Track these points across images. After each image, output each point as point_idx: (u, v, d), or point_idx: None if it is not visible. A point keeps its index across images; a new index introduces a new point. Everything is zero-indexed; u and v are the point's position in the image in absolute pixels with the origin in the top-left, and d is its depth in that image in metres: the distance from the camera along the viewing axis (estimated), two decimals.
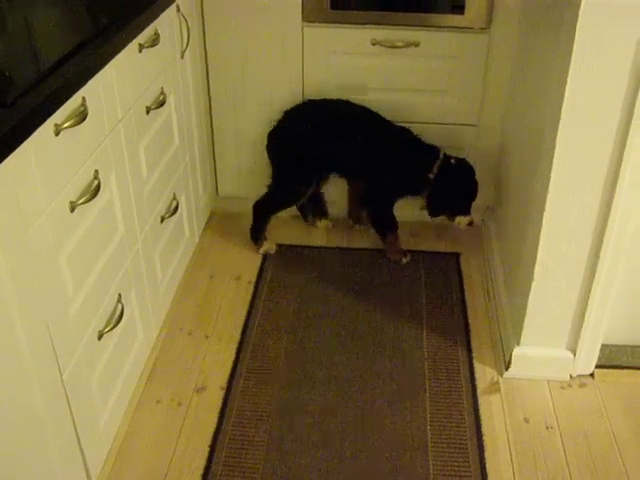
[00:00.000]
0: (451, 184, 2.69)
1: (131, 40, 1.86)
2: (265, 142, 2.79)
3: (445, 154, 2.69)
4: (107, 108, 1.78)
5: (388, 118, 2.74)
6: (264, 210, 2.85)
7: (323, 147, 2.68)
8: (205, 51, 2.70)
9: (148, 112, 2.08)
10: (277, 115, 2.79)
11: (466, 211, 2.76)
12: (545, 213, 2.00)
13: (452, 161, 2.68)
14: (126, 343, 2.03)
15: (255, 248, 2.87)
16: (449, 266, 2.80)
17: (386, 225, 2.85)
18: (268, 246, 2.87)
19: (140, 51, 1.97)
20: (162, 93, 2.18)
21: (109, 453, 1.99)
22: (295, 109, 2.75)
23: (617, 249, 2.04)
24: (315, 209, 3.02)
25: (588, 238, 2.03)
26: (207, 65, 2.73)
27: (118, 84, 1.84)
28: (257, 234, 2.87)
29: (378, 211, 2.84)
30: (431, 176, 2.67)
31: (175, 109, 2.35)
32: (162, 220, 2.27)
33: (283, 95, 2.77)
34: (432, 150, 2.70)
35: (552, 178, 1.93)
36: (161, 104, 2.15)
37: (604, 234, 2.00)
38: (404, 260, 2.83)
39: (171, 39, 2.27)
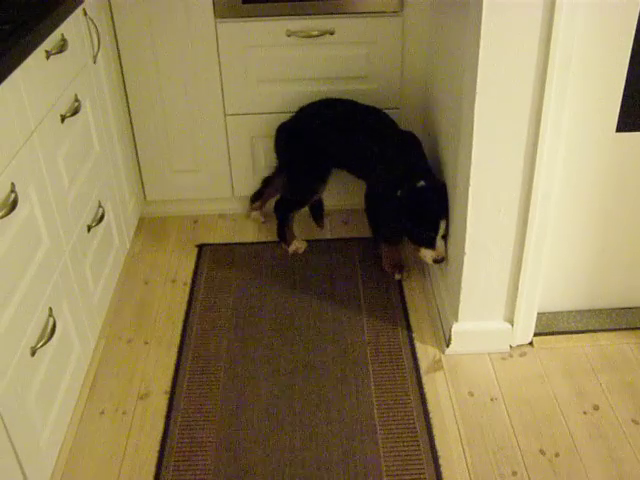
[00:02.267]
0: (411, 208, 2.41)
1: (36, 47, 1.80)
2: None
3: (422, 174, 2.44)
4: (18, 119, 1.73)
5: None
6: (283, 209, 2.83)
7: (331, 144, 2.66)
8: (118, 55, 2.65)
9: (63, 120, 2.04)
10: (198, 115, 2.77)
11: (428, 243, 2.41)
12: (470, 188, 2.02)
13: (420, 184, 2.39)
14: (62, 356, 1.98)
15: (284, 247, 2.86)
16: None
17: (381, 233, 2.71)
18: (297, 245, 2.84)
19: (48, 58, 1.92)
20: (77, 100, 2.14)
21: (54, 470, 1.95)
22: (306, 107, 2.75)
23: (544, 216, 2.08)
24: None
25: (515, 207, 2.06)
26: (122, 68, 2.69)
27: (27, 93, 1.79)
28: (282, 234, 2.84)
29: (373, 213, 2.69)
30: (398, 194, 2.44)
31: (92, 115, 2.31)
32: (89, 229, 2.23)
33: (201, 93, 2.75)
34: (415, 165, 2.51)
35: (474, 150, 1.95)
36: (76, 111, 2.10)
37: (530, 202, 2.03)
38: (397, 276, 2.68)
39: (80, 44, 2.23)
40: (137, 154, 2.88)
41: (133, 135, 2.83)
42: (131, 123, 2.81)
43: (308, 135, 2.69)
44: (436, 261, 2.42)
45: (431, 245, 2.40)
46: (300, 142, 2.71)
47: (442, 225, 2.36)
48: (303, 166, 2.74)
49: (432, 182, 2.41)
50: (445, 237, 2.40)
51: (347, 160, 2.70)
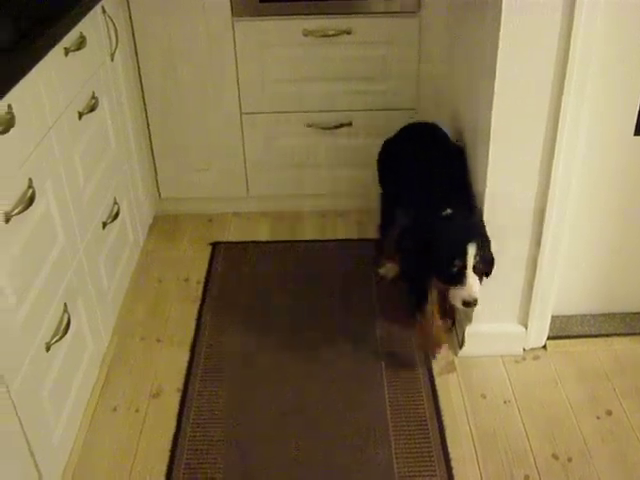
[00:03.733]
0: (429, 237, 2.02)
1: (55, 44, 1.81)
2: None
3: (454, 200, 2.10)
4: (36, 115, 1.74)
5: (328, 108, 2.77)
6: (382, 228, 2.61)
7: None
8: (136, 52, 2.66)
9: (80, 117, 2.04)
10: (214, 113, 2.77)
11: (455, 279, 1.96)
12: (487, 189, 2.01)
13: (446, 212, 2.05)
14: (76, 353, 1.99)
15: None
16: None
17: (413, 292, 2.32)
18: (386, 270, 2.66)
19: (66, 55, 1.93)
20: (94, 97, 2.14)
21: (66, 466, 1.95)
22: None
23: (560, 218, 2.07)
24: None
25: (531, 209, 2.05)
26: (139, 67, 2.69)
27: (46, 90, 1.80)
28: (378, 251, 2.69)
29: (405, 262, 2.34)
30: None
31: (109, 112, 2.32)
32: (104, 226, 2.24)
33: (218, 92, 2.75)
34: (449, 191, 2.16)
35: (491, 150, 1.95)
36: (93, 108, 2.11)
37: (546, 204, 2.03)
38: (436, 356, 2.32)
39: (99, 42, 2.24)
40: (152, 152, 2.89)
41: (149, 133, 2.84)
42: (147, 121, 2.81)
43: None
44: (466, 303, 1.97)
45: (459, 281, 1.95)
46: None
47: (471, 250, 1.93)
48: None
49: (460, 208, 2.07)
50: (480, 272, 1.99)
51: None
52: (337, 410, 2.13)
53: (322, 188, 3.01)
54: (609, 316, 2.44)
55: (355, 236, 2.92)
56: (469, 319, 2.27)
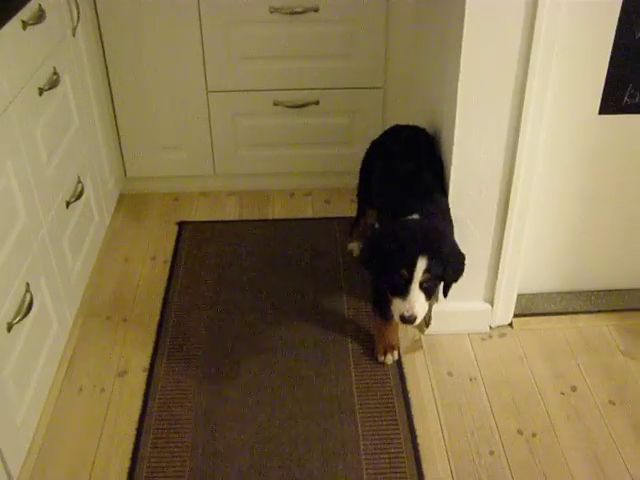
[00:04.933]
0: (382, 242, 1.93)
1: (12, 16, 1.77)
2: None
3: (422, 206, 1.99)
4: None
5: (295, 86, 2.74)
6: (361, 202, 2.56)
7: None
8: (99, 28, 2.61)
9: (41, 93, 2.01)
10: (180, 92, 2.74)
11: (398, 290, 1.86)
12: (452, 167, 2.01)
13: (412, 216, 1.96)
14: (39, 333, 1.97)
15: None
16: None
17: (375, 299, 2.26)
18: (355, 247, 2.66)
19: (24, 28, 1.88)
20: (55, 73, 2.10)
21: (31, 447, 1.93)
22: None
23: (525, 197, 2.08)
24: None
25: (496, 189, 2.05)
26: (102, 43, 2.65)
27: (2, 64, 1.75)
28: (353, 224, 2.65)
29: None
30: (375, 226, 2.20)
31: (72, 89, 2.27)
32: (68, 205, 2.20)
33: (183, 69, 2.72)
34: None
35: (456, 132, 1.95)
36: (54, 85, 2.07)
37: (511, 183, 2.03)
38: (385, 359, 2.22)
39: (59, 16, 2.19)
40: (118, 130, 2.85)
41: (114, 110, 2.80)
42: (112, 98, 2.77)
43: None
44: (404, 319, 1.85)
45: (402, 293, 1.84)
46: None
47: (420, 264, 1.80)
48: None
49: (430, 217, 1.97)
50: (429, 290, 1.87)
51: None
52: (304, 387, 2.13)
53: (290, 167, 2.99)
54: (574, 294, 2.46)
55: (323, 214, 2.92)
56: (435, 298, 2.27)
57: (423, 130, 2.29)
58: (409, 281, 1.82)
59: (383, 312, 2.13)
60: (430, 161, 2.14)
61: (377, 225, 2.15)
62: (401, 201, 2.03)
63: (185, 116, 2.83)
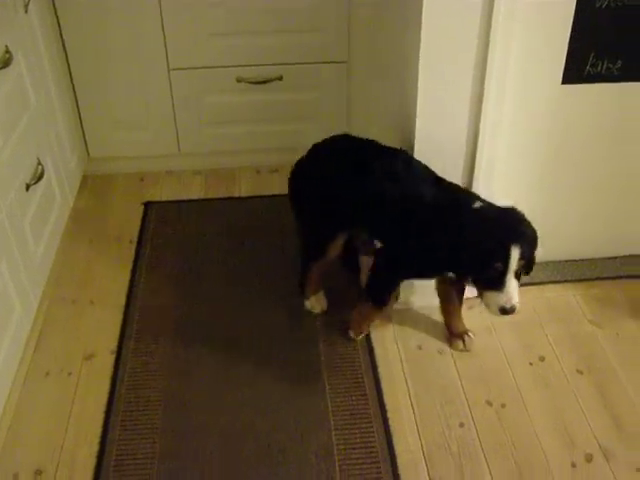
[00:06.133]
0: (471, 232, 1.80)
1: None
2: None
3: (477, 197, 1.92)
4: None
5: (258, 62, 2.71)
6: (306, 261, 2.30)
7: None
8: (54, 4, 2.55)
9: None
10: (141, 70, 2.69)
11: (494, 283, 1.79)
12: (415, 143, 2.00)
13: (477, 204, 1.88)
14: (2, 318, 1.94)
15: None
16: None
17: (377, 292, 2.15)
18: (312, 304, 2.32)
19: None
20: (7, 52, 2.04)
21: None
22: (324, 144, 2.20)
23: (490, 167, 2.07)
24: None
25: (460, 163, 2.05)
26: (58, 19, 2.59)
27: None
28: (301, 283, 2.33)
29: (388, 273, 2.11)
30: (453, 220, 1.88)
31: (26, 68, 2.22)
32: (27, 187, 2.16)
33: (144, 47, 2.67)
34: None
35: (419, 104, 1.93)
36: (7, 63, 2.02)
37: (476, 153, 2.02)
38: (354, 334, 2.20)
39: None
40: (79, 110, 2.80)
41: (74, 90, 2.75)
42: (71, 77, 2.71)
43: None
44: (504, 311, 1.79)
45: (497, 286, 1.77)
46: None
47: (514, 253, 1.73)
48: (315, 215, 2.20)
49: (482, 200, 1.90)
50: (520, 274, 1.81)
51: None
52: (273, 366, 2.12)
53: (255, 144, 2.96)
54: (541, 264, 2.46)
55: None
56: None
57: (351, 137, 2.16)
58: (504, 273, 1.75)
59: (383, 298, 2.08)
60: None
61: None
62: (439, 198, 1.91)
63: (147, 95, 2.78)
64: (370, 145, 2.08)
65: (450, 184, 1.95)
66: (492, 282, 1.78)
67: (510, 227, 1.78)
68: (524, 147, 2.19)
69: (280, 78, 2.78)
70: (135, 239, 2.64)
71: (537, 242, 1.84)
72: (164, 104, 2.81)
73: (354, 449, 1.88)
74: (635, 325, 2.26)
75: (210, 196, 2.88)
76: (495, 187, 2.12)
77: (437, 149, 2.01)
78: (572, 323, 2.27)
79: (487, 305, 1.83)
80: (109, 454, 1.88)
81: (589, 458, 1.86)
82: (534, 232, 1.83)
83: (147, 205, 2.82)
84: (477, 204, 1.86)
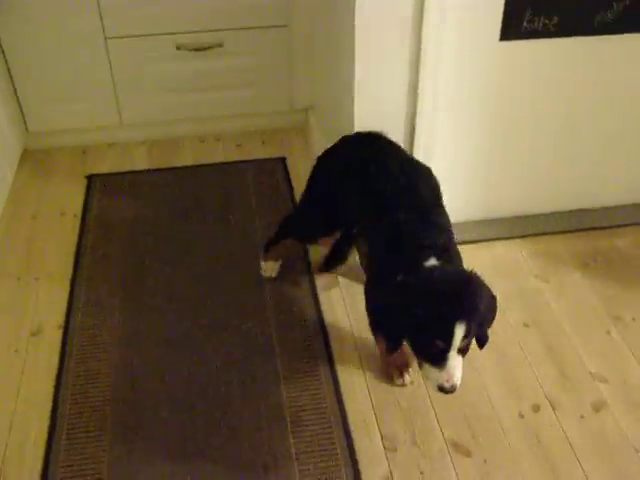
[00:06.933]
0: (411, 300, 1.60)
1: None
2: None
3: (436, 248, 1.70)
4: None
5: (197, 28, 2.67)
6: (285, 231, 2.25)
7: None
8: None
9: None
10: (76, 39, 2.64)
11: (435, 358, 1.61)
12: (355, 105, 2.00)
13: (429, 263, 1.67)
14: None
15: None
16: (277, 171, 2.79)
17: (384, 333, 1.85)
18: (265, 266, 2.30)
19: None
20: None
21: None
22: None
23: (431, 129, 2.08)
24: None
25: (401, 124, 2.05)
26: None
27: None
28: (267, 246, 2.29)
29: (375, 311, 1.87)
30: (398, 279, 1.69)
31: None
32: None
33: (77, 13, 2.60)
34: (427, 235, 1.74)
35: (357, 63, 1.92)
36: None
37: (416, 115, 2.03)
38: (399, 381, 1.97)
39: None
40: (13, 83, 2.73)
41: (6, 62, 2.67)
42: (2, 50, 2.64)
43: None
44: (443, 389, 1.61)
45: (437, 362, 1.60)
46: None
47: (459, 331, 1.54)
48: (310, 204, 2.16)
49: (449, 263, 1.71)
50: (465, 351, 1.63)
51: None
52: (223, 334, 2.12)
53: (198, 112, 2.93)
54: (489, 222, 2.50)
55: (235, 158, 2.88)
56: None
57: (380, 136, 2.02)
58: (446, 350, 1.57)
59: (395, 343, 1.71)
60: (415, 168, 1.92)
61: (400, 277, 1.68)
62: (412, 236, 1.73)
63: (84, 65, 2.72)
64: (385, 153, 1.94)
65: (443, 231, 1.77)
66: (432, 357, 1.61)
67: (459, 300, 1.56)
68: (464, 105, 2.20)
69: (221, 44, 2.75)
70: (79, 213, 2.60)
71: (494, 313, 1.69)
72: (102, 74, 2.75)
73: (305, 411, 1.89)
74: (580, 278, 2.31)
75: (155, 167, 2.85)
76: (437, 150, 2.13)
77: (376, 111, 2.01)
78: (519, 278, 2.31)
79: (425, 377, 1.67)
80: (60, 429, 1.86)
81: (536, 408, 1.90)
82: (490, 304, 1.66)
83: (90, 178, 2.78)
84: (431, 262, 1.65)
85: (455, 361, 1.58)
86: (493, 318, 1.70)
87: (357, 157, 1.95)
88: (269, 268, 2.30)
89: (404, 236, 1.72)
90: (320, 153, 2.09)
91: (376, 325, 1.84)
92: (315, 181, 2.11)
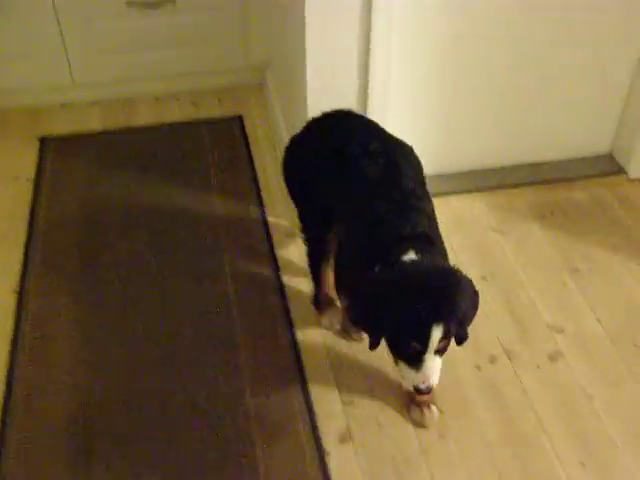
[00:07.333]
0: (388, 296, 1.50)
1: None
2: None
3: (416, 240, 1.58)
4: None
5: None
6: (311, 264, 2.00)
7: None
8: None
9: None
10: None
11: (411, 359, 1.53)
12: (307, 59, 1.97)
13: (408, 256, 1.54)
14: None
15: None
16: (233, 130, 2.76)
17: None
18: (327, 323, 2.02)
19: None
20: None
21: None
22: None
23: (384, 85, 2.05)
24: None
25: (354, 77, 2.02)
26: None
27: None
28: (315, 298, 2.04)
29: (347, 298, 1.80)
30: (376, 270, 1.58)
31: None
32: None
33: None
34: (407, 222, 1.61)
35: (307, 12, 1.89)
36: None
37: (368, 70, 2.00)
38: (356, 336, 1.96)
39: None
40: None
41: None
42: None
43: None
44: (418, 390, 1.56)
45: (414, 363, 1.53)
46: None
47: (436, 333, 1.46)
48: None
49: (429, 255, 1.57)
50: (443, 350, 1.55)
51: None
52: (182, 291, 2.12)
53: (152, 71, 2.86)
54: (445, 176, 2.49)
55: (191, 117, 2.84)
56: None
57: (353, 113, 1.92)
58: (422, 352, 1.50)
59: (376, 339, 1.58)
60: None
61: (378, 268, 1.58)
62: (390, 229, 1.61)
63: (32, 23, 2.63)
64: (362, 130, 1.83)
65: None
66: (407, 357, 1.54)
67: (437, 300, 1.46)
68: (417, 59, 2.17)
69: (172, 1, 2.68)
70: (32, 177, 2.55)
71: (475, 310, 1.59)
72: (52, 33, 2.66)
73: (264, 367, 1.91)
74: (537, 230, 2.32)
75: (109, 128, 2.80)
76: (391, 104, 2.11)
77: (328, 64, 1.98)
78: (476, 231, 2.32)
79: (401, 377, 1.61)
80: (18, 390, 1.86)
81: (493, 359, 1.93)
82: (472, 301, 1.57)
83: (43, 141, 2.72)
84: (409, 255, 1.54)
85: (432, 362, 1.51)
86: (474, 315, 1.60)
87: (329, 139, 1.81)
88: (328, 322, 2.02)
89: (383, 224, 1.60)
90: (276, 111, 2.05)
91: (355, 321, 1.75)
92: (290, 180, 1.95)
